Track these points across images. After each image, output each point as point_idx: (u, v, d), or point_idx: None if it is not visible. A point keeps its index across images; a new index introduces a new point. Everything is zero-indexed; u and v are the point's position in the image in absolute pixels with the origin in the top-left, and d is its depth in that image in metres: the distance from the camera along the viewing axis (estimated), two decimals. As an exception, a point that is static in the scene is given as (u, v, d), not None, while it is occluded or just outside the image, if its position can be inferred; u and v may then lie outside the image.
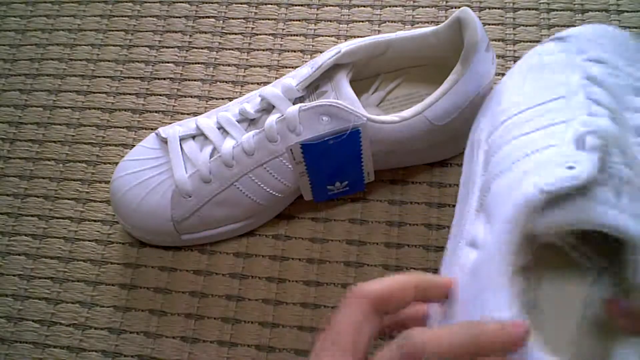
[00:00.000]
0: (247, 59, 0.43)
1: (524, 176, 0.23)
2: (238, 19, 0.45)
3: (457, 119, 0.33)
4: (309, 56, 0.43)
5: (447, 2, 0.43)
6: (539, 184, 0.22)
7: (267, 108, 0.33)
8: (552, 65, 0.29)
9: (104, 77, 0.44)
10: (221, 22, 0.45)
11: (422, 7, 0.43)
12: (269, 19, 0.45)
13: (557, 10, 0.42)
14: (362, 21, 0.44)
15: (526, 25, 0.41)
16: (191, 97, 0.42)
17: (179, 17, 0.46)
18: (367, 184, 0.36)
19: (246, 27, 0.45)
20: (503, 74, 0.40)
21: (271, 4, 0.45)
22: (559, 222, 0.22)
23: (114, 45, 0.46)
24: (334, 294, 0.35)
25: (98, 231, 0.39)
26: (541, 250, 0.22)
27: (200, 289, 0.36)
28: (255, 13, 0.45)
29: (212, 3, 0.46)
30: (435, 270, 0.35)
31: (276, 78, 0.41)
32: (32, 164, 0.42)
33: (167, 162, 0.34)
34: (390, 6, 0.44)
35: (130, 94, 0.43)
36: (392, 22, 0.43)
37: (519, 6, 0.42)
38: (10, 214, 0.40)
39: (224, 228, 0.35)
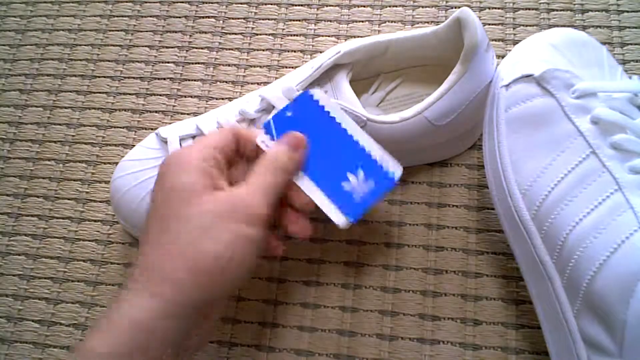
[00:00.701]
0: (247, 59, 0.43)
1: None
2: (238, 19, 0.45)
3: (457, 119, 0.33)
4: (309, 56, 0.43)
5: (447, 2, 0.43)
6: None
7: (267, 108, 0.33)
8: (544, 115, 0.29)
9: (104, 77, 0.44)
10: (221, 22, 0.45)
11: (422, 7, 0.43)
12: (269, 19, 0.45)
13: (557, 10, 0.42)
14: (362, 21, 0.44)
15: (526, 25, 0.41)
16: (191, 97, 0.42)
17: (179, 17, 0.46)
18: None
19: (246, 27, 0.45)
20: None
21: (271, 4, 0.45)
22: None
23: (114, 45, 0.46)
24: (334, 294, 0.35)
25: (98, 231, 0.39)
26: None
27: (200, 289, 0.36)
28: (255, 13, 0.45)
29: (212, 3, 0.46)
30: (437, 271, 0.35)
31: (276, 78, 0.41)
32: (32, 164, 0.42)
33: (167, 162, 0.34)
34: (390, 6, 0.44)
35: (130, 94, 0.43)
36: (392, 22, 0.43)
37: (519, 6, 0.42)
38: (10, 214, 0.40)
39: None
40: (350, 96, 0.32)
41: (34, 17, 0.48)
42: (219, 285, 0.23)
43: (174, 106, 0.42)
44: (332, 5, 0.45)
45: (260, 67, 0.43)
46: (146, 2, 0.47)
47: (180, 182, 0.24)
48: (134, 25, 0.46)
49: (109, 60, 0.45)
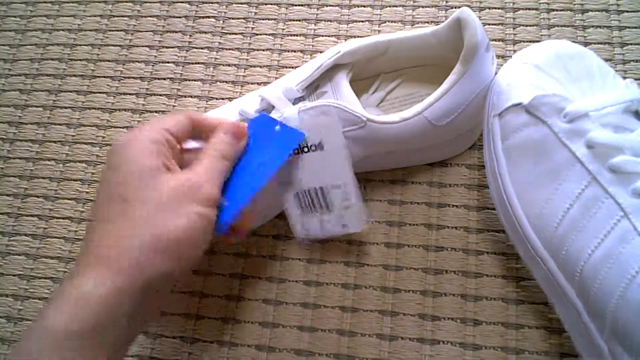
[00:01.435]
0: (247, 59, 0.43)
1: None
2: (238, 19, 0.45)
3: (457, 119, 0.33)
4: (309, 56, 0.43)
5: (447, 2, 0.43)
6: None
7: (267, 108, 0.33)
8: (539, 144, 0.29)
9: (104, 77, 0.44)
10: (221, 22, 0.45)
11: (422, 7, 0.43)
12: (269, 19, 0.45)
13: (557, 10, 0.42)
14: (362, 21, 0.44)
15: (526, 25, 0.41)
16: (191, 97, 0.42)
17: (179, 17, 0.46)
18: (368, 183, 0.36)
19: (246, 27, 0.45)
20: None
21: (271, 4, 0.45)
22: None
23: (114, 45, 0.46)
24: (334, 294, 0.35)
25: (98, 231, 0.39)
26: None
27: (200, 289, 0.36)
28: (255, 13, 0.45)
29: (212, 3, 0.46)
30: (437, 271, 0.35)
31: (276, 78, 0.41)
32: (32, 164, 0.42)
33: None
34: (390, 6, 0.44)
35: (130, 94, 0.43)
36: (392, 22, 0.43)
37: (519, 6, 0.42)
38: (10, 214, 0.40)
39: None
40: (350, 96, 0.32)
41: (34, 17, 0.48)
42: (176, 263, 0.24)
43: (174, 106, 0.42)
44: (332, 5, 0.45)
45: (260, 67, 0.43)
46: (146, 2, 0.47)
47: (133, 163, 0.25)
48: (134, 25, 0.46)
49: (109, 60, 0.45)
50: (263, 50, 0.44)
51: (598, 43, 0.40)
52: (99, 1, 0.48)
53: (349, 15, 0.44)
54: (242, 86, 0.42)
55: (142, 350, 0.35)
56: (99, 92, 0.44)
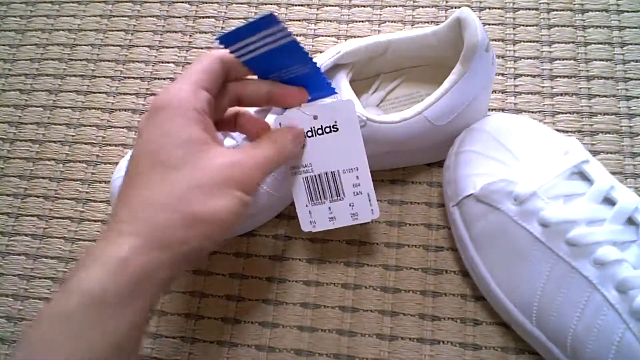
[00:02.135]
0: (247, 59, 0.43)
1: None
2: (238, 19, 0.45)
3: (457, 119, 0.33)
4: (309, 56, 0.43)
5: (447, 2, 0.43)
6: None
7: (267, 108, 0.33)
8: (499, 229, 0.30)
9: (104, 77, 0.44)
10: (221, 22, 0.45)
11: (422, 7, 0.43)
12: (269, 19, 0.45)
13: (557, 10, 0.42)
14: (362, 21, 0.44)
15: (526, 25, 0.41)
16: (191, 97, 0.42)
17: (179, 17, 0.46)
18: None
19: (246, 27, 0.45)
20: (503, 74, 0.40)
21: (271, 4, 0.45)
22: None
23: (114, 45, 0.46)
24: (334, 294, 0.35)
25: (98, 231, 0.39)
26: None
27: (201, 288, 0.36)
28: (255, 13, 0.45)
29: (212, 3, 0.46)
30: (436, 271, 0.35)
31: (276, 78, 0.41)
32: (32, 164, 0.42)
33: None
34: (390, 6, 0.44)
35: (130, 94, 0.43)
36: (392, 22, 0.43)
37: (519, 6, 0.42)
38: (10, 214, 0.40)
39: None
40: (350, 96, 0.32)
41: (34, 17, 0.48)
42: (207, 242, 0.24)
43: (174, 106, 0.42)
44: (332, 5, 0.45)
45: (260, 67, 0.43)
46: (146, 2, 0.47)
47: (178, 132, 0.24)
48: (134, 25, 0.46)
49: (109, 60, 0.45)
50: (263, 50, 0.43)
51: (598, 43, 0.40)
52: (99, 1, 0.48)
53: (349, 15, 0.44)
54: (242, 86, 0.42)
55: (141, 350, 0.35)
56: (99, 92, 0.44)
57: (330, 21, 0.44)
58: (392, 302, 0.34)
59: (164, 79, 0.43)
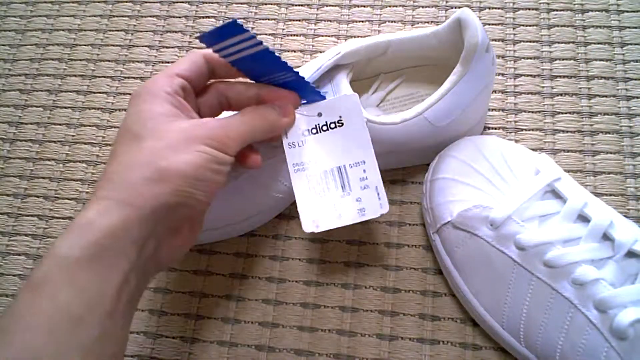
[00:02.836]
0: (247, 59, 0.43)
1: None
2: (238, 19, 0.45)
3: (457, 120, 0.33)
4: (309, 56, 0.43)
5: (447, 2, 0.43)
6: None
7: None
8: (479, 254, 0.30)
9: (104, 77, 0.44)
10: (221, 22, 0.45)
11: (422, 7, 0.43)
12: (269, 19, 0.45)
13: (557, 10, 0.42)
14: (362, 21, 0.44)
15: (526, 25, 0.41)
16: (191, 97, 0.42)
17: (179, 17, 0.46)
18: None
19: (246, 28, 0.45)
20: (503, 74, 0.40)
21: (271, 4, 0.45)
22: None
23: (114, 45, 0.46)
24: (334, 294, 0.35)
25: (98, 231, 0.39)
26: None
27: (200, 289, 0.36)
28: (255, 13, 0.45)
29: (212, 3, 0.46)
30: (436, 271, 0.35)
31: (276, 78, 0.41)
32: (32, 164, 0.42)
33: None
34: (390, 6, 0.44)
35: (130, 94, 0.43)
36: (392, 22, 0.43)
37: (519, 6, 0.42)
38: (10, 214, 0.40)
39: (224, 228, 0.35)
40: (350, 96, 0.32)
41: (34, 17, 0.48)
42: (181, 196, 0.24)
43: (174, 106, 0.42)
44: (332, 5, 0.45)
45: (260, 67, 0.43)
46: (146, 2, 0.47)
47: (153, 110, 0.25)
48: (134, 25, 0.46)
49: (109, 60, 0.45)
50: (263, 50, 0.43)
51: (598, 43, 0.40)
52: (99, 1, 0.48)
53: (349, 15, 0.44)
54: (242, 86, 0.42)
55: (142, 350, 0.35)
56: (99, 92, 0.44)
57: (330, 21, 0.44)
58: (392, 302, 0.34)
59: (164, 79, 0.43)
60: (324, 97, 0.30)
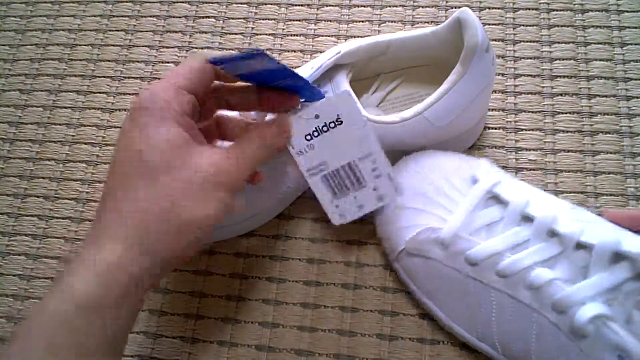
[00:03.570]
0: (247, 59, 0.43)
1: None
2: (238, 19, 0.45)
3: (457, 120, 0.33)
4: (309, 56, 0.43)
5: (447, 2, 0.43)
6: None
7: (262, 113, 0.33)
8: (436, 275, 0.30)
9: (104, 77, 0.44)
10: (221, 22, 0.45)
11: (422, 7, 0.43)
12: (269, 19, 0.45)
13: (557, 10, 0.42)
14: (362, 21, 0.44)
15: (526, 25, 0.41)
16: (191, 97, 0.42)
17: (179, 17, 0.46)
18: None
19: (246, 27, 0.45)
20: (503, 74, 0.40)
21: (271, 4, 0.45)
22: None
23: (114, 45, 0.46)
24: (334, 294, 0.35)
25: (98, 231, 0.39)
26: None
27: (200, 289, 0.36)
28: (255, 13, 0.45)
29: (212, 3, 0.46)
30: (435, 271, 0.35)
31: (276, 78, 0.41)
32: (32, 164, 0.42)
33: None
34: (390, 6, 0.44)
35: (130, 94, 0.43)
36: (392, 22, 0.43)
37: (519, 6, 0.42)
38: (10, 214, 0.40)
39: (224, 228, 0.35)
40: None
41: (34, 17, 0.48)
42: (196, 247, 0.25)
43: (174, 106, 0.42)
44: (332, 5, 0.45)
45: (260, 67, 0.43)
46: (146, 2, 0.47)
47: (159, 132, 0.24)
48: (134, 25, 0.46)
49: (109, 60, 0.45)
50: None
51: (598, 43, 0.40)
52: (99, 1, 0.48)
53: (349, 15, 0.44)
54: (242, 86, 0.42)
55: (142, 350, 0.35)
56: (99, 92, 0.44)
57: (330, 21, 0.44)
58: (392, 302, 0.34)
59: (164, 79, 0.43)
60: (323, 95, 0.30)
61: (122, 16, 0.47)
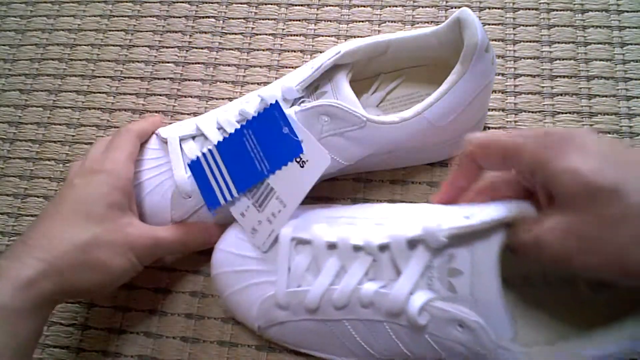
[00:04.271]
0: (247, 59, 0.43)
1: None
2: (238, 19, 0.45)
3: (457, 120, 0.33)
4: (309, 56, 0.43)
5: (447, 2, 0.43)
6: None
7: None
8: (299, 333, 0.30)
9: (104, 77, 0.44)
10: (221, 22, 0.45)
11: (422, 7, 0.43)
12: (269, 19, 0.45)
13: (557, 10, 0.42)
14: (362, 21, 0.44)
15: (526, 25, 0.41)
16: (191, 97, 0.42)
17: (179, 17, 0.46)
18: (368, 183, 0.36)
19: (246, 27, 0.45)
20: (503, 74, 0.40)
21: (271, 4, 0.45)
22: None
23: (114, 45, 0.46)
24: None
25: (98, 231, 0.39)
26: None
27: (200, 289, 0.36)
28: (255, 13, 0.45)
29: (212, 3, 0.46)
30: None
31: (276, 78, 0.41)
32: (32, 164, 0.42)
33: (167, 162, 0.34)
34: (390, 6, 0.44)
35: (130, 94, 0.43)
36: (392, 22, 0.43)
37: (519, 6, 0.42)
38: (10, 214, 0.40)
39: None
40: (350, 96, 0.32)
41: (34, 17, 0.48)
42: (95, 289, 0.30)
43: (174, 106, 0.42)
44: (332, 5, 0.45)
45: (260, 67, 0.43)
46: (146, 2, 0.47)
47: (106, 196, 0.30)
48: (134, 25, 0.46)
49: (109, 60, 0.45)
50: (263, 50, 0.44)
51: (598, 43, 0.40)
52: (99, 1, 0.48)
53: (349, 15, 0.44)
54: (242, 86, 0.42)
55: (142, 350, 0.35)
56: (99, 92, 0.44)
57: (330, 21, 0.44)
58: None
59: (164, 78, 0.43)
60: (299, 143, 0.30)
61: (122, 16, 0.47)
